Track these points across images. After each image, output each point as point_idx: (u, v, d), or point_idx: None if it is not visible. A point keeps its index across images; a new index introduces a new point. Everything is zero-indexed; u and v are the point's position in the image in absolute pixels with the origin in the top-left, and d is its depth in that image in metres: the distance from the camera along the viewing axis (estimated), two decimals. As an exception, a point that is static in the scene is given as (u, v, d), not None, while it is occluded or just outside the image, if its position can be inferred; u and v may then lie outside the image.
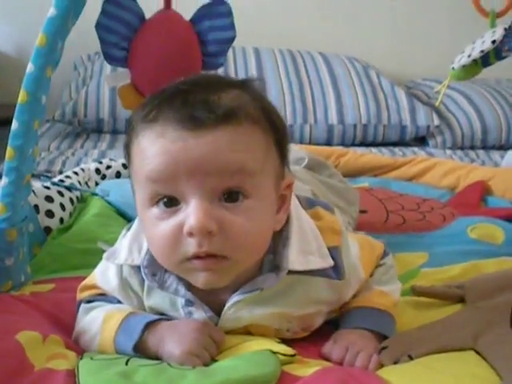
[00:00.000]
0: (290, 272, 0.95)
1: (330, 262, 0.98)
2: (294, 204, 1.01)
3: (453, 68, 1.53)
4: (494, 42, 1.43)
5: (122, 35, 1.26)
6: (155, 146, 0.86)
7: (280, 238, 0.97)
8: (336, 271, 0.99)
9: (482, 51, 1.43)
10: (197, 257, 0.87)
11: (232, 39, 1.33)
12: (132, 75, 1.26)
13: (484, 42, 1.44)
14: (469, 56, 1.47)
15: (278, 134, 0.93)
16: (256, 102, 0.91)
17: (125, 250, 0.99)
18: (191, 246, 0.86)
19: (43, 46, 1.10)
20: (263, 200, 0.89)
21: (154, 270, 0.96)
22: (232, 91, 0.89)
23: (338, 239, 1.02)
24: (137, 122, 0.90)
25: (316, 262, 0.97)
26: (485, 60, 1.47)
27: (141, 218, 0.94)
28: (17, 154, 1.11)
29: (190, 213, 0.85)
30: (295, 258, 0.95)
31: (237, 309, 0.96)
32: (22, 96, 1.11)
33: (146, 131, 0.87)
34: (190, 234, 0.85)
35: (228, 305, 0.96)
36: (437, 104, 1.88)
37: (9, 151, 1.11)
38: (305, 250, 0.96)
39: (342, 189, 1.48)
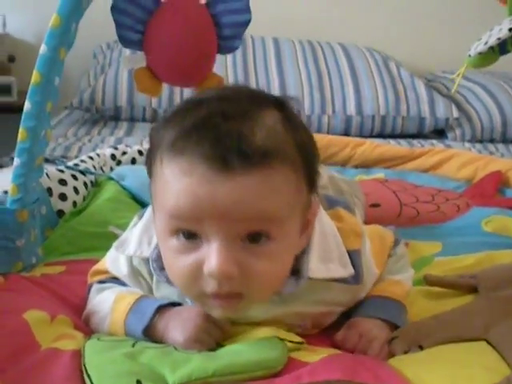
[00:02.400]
0: (310, 278, 0.93)
1: (351, 271, 0.96)
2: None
3: (469, 55, 1.51)
4: (511, 29, 1.41)
5: (137, 18, 1.25)
6: (180, 184, 0.81)
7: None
8: (355, 277, 0.98)
9: (499, 38, 1.41)
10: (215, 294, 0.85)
11: (247, 22, 1.30)
12: (147, 58, 1.25)
13: (501, 30, 1.41)
14: (485, 43, 1.45)
15: (310, 168, 0.88)
16: (291, 134, 0.85)
17: (135, 241, 0.99)
18: (211, 285, 0.83)
19: (57, 27, 1.10)
20: (287, 241, 0.86)
21: (162, 264, 0.92)
22: (267, 121, 0.83)
23: (358, 242, 1.01)
24: (161, 144, 0.84)
25: (337, 270, 0.95)
26: (502, 48, 1.45)
27: (160, 244, 0.90)
28: (29, 135, 1.11)
29: (211, 255, 0.81)
30: (315, 265, 0.93)
31: (251, 309, 0.93)
32: (34, 77, 1.11)
33: (171, 163, 0.82)
34: (211, 276, 0.82)
35: None
36: (452, 92, 1.86)
37: (21, 132, 1.11)
38: (325, 257, 0.95)
39: (346, 181, 1.47)
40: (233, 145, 0.78)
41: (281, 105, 0.87)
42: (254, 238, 0.82)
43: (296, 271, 0.93)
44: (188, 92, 2.70)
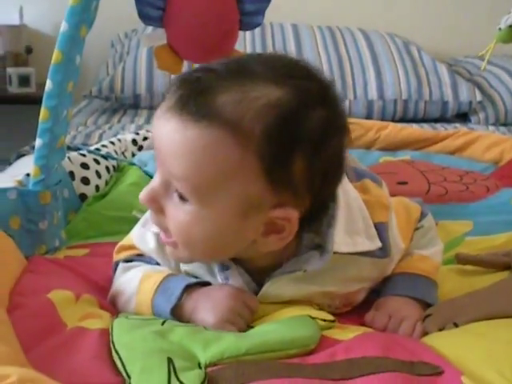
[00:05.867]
0: (335, 252, 0.89)
1: (378, 244, 0.93)
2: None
3: (499, 29, 1.47)
4: (542, 0, 1.37)
5: (157, -6, 1.23)
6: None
7: (325, 215, 0.90)
8: (382, 250, 0.95)
9: (530, 10, 1.38)
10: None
11: (270, -3, 1.28)
12: (168, 35, 1.23)
13: (533, 1, 1.38)
14: (516, 16, 1.42)
15: (280, 164, 0.79)
16: (271, 119, 0.77)
17: None
18: None
19: (77, 3, 1.08)
20: (211, 216, 0.82)
21: None
22: (253, 93, 0.78)
23: (385, 215, 0.98)
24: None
25: (363, 244, 0.92)
26: (532, 20, 1.42)
27: None
28: (51, 114, 1.09)
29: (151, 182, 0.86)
30: (341, 239, 0.89)
31: (277, 286, 0.92)
32: (55, 56, 1.09)
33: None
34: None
35: (268, 283, 0.92)
36: (482, 68, 1.81)
37: (43, 112, 1.09)
38: (351, 230, 0.91)
39: None
40: (191, 92, 0.79)
41: (301, 94, 0.80)
42: (180, 194, 0.82)
43: (319, 246, 0.90)
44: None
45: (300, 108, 0.79)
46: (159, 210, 0.85)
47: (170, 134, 0.79)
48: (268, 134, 0.77)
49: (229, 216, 0.82)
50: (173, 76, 2.57)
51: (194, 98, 0.78)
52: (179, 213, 0.83)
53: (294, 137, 0.79)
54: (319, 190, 0.84)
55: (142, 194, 0.85)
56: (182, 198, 0.81)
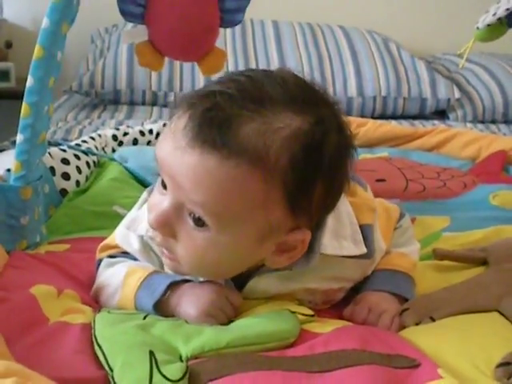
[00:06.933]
0: (321, 253, 0.91)
1: (363, 250, 0.95)
2: None
3: (477, 28, 1.49)
4: (520, 0, 1.39)
5: (138, -10, 1.23)
6: (164, 136, 0.83)
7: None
8: (367, 251, 0.96)
9: (508, 9, 1.39)
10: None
11: (251, -5, 1.29)
12: (149, 32, 1.23)
13: (510, 0, 1.40)
14: (494, 14, 1.43)
15: (300, 192, 0.81)
16: (293, 148, 0.79)
17: (145, 221, 0.96)
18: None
19: (59, 0, 1.08)
20: (231, 242, 0.83)
21: None
22: (275, 123, 0.78)
23: (372, 217, 1.00)
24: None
25: (349, 248, 0.94)
26: (510, 19, 1.43)
27: None
28: (32, 110, 1.09)
29: (158, 206, 0.84)
30: (328, 241, 0.91)
31: (262, 283, 0.93)
32: (37, 52, 1.08)
33: (174, 118, 0.82)
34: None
35: (252, 280, 0.93)
36: (460, 67, 1.83)
37: (24, 108, 1.09)
38: (338, 233, 0.93)
39: None
40: (211, 123, 0.77)
41: (319, 119, 0.81)
42: (197, 219, 0.81)
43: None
44: (187, 74, 2.69)
45: (320, 136, 0.81)
46: (171, 235, 0.84)
47: (189, 166, 0.78)
48: (293, 164, 0.79)
49: (247, 242, 0.84)
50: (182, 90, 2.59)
51: (217, 132, 0.77)
52: (194, 238, 0.83)
53: (317, 165, 0.81)
54: (329, 207, 0.88)
55: (153, 219, 0.83)
56: (198, 222, 0.81)
